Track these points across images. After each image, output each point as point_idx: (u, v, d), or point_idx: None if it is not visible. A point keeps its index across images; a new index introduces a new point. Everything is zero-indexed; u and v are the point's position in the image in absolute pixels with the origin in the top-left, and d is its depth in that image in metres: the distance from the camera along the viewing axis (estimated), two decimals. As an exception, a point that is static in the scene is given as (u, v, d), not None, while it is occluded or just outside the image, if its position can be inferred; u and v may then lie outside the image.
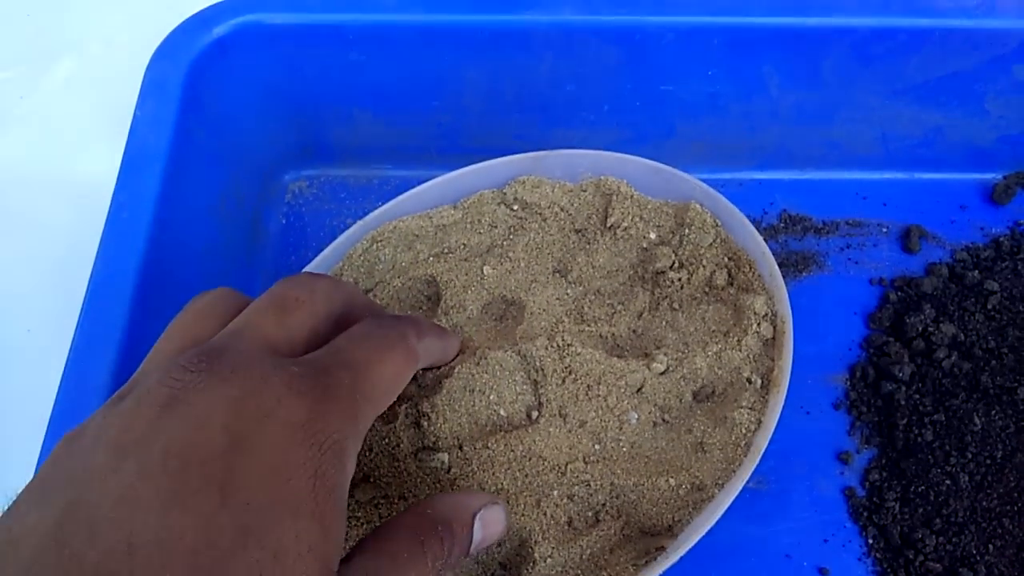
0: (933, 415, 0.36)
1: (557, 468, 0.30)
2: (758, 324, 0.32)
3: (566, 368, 0.31)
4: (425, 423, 0.29)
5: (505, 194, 0.37)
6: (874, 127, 0.43)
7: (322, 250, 0.36)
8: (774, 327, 0.33)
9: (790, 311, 0.33)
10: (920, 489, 0.35)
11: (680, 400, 0.32)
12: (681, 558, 0.28)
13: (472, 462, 0.29)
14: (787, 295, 0.33)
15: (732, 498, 0.29)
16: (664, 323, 0.34)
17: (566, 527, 0.29)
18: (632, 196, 0.37)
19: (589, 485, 0.30)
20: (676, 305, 0.34)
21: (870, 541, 0.35)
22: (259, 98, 0.40)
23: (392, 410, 0.30)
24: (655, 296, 0.35)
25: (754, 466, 0.30)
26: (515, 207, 0.37)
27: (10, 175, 0.46)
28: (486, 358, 0.30)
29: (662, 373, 0.32)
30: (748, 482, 0.30)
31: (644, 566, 0.28)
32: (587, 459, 0.30)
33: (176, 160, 0.35)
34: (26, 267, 0.43)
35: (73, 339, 0.31)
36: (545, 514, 0.29)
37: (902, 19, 0.38)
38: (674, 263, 0.35)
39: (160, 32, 0.37)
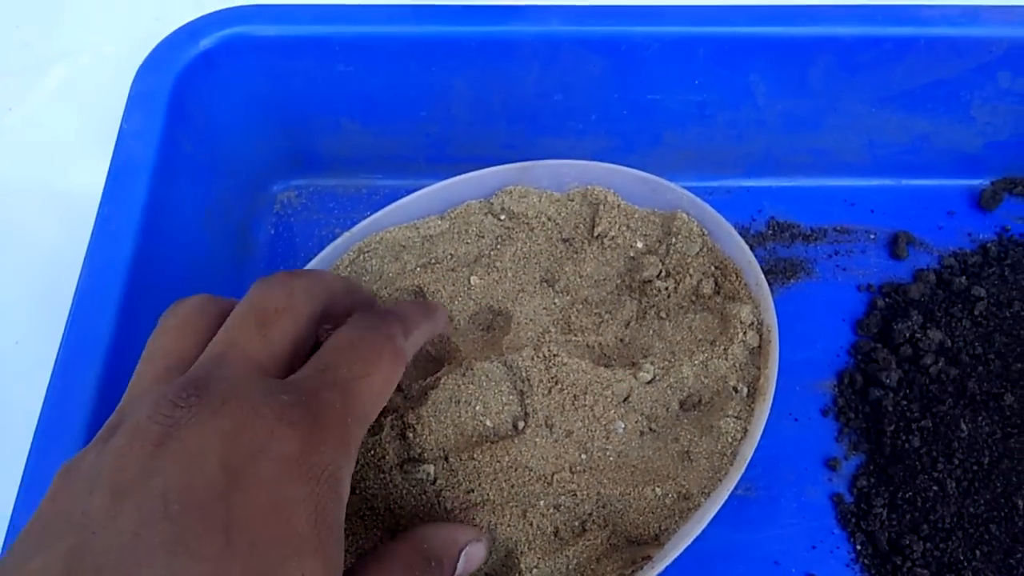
0: (920, 421, 0.36)
1: (543, 478, 0.30)
2: (744, 333, 0.33)
3: (552, 378, 0.31)
4: (411, 434, 0.29)
5: (492, 204, 0.37)
6: (861, 134, 0.43)
7: (310, 260, 0.36)
8: (760, 336, 0.33)
9: (776, 320, 0.33)
10: (907, 495, 0.35)
11: (667, 409, 0.32)
12: (670, 566, 0.28)
13: (458, 473, 0.29)
14: (773, 304, 0.33)
15: (718, 507, 0.29)
16: (651, 332, 0.34)
17: (552, 537, 0.29)
18: (619, 205, 0.37)
19: (575, 495, 0.30)
20: (663, 314, 0.34)
21: (858, 547, 0.35)
22: (247, 109, 0.40)
23: (378, 422, 0.30)
24: (642, 305, 0.35)
25: (740, 475, 0.30)
26: (502, 217, 0.37)
27: (-2, 186, 0.46)
28: (472, 368, 0.30)
29: (649, 382, 0.32)
30: (736, 489, 0.30)
31: (631, 575, 0.28)
32: (573, 469, 0.30)
33: (163, 171, 0.35)
34: (13, 278, 0.43)
35: (59, 351, 0.31)
36: (531, 524, 0.29)
37: (887, 28, 0.38)
38: (661, 272, 0.35)
39: (147, 44, 0.37)
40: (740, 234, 0.35)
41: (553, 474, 0.30)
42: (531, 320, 0.34)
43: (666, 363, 0.32)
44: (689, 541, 0.29)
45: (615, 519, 0.30)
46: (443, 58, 0.39)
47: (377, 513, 0.29)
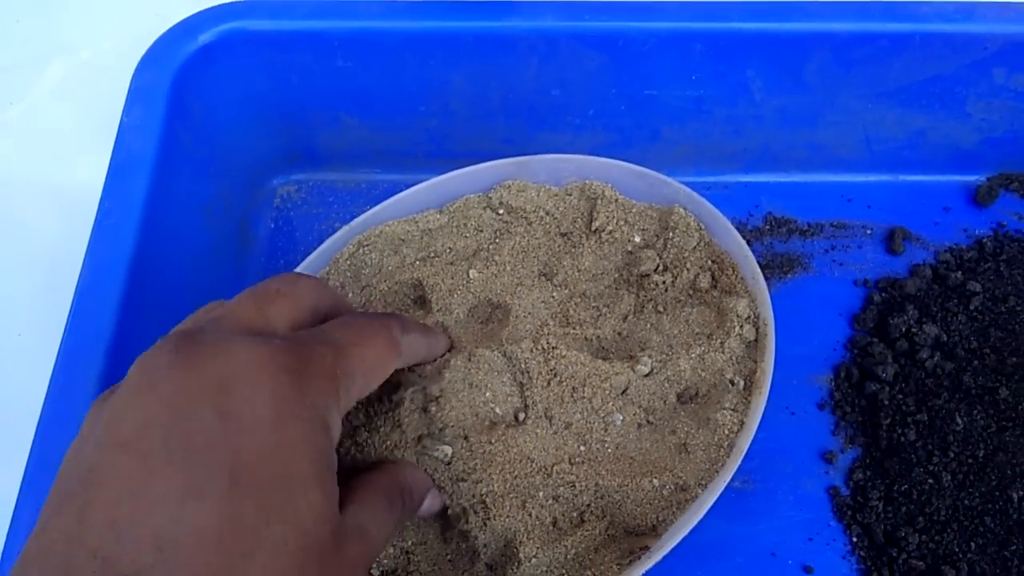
0: (916, 415, 0.36)
1: (543, 469, 0.30)
2: (741, 326, 0.33)
3: (551, 370, 0.31)
4: (434, 408, 0.29)
5: (491, 198, 0.37)
6: (858, 130, 0.43)
7: (310, 254, 0.36)
8: (756, 329, 0.33)
9: (772, 314, 0.33)
10: (903, 488, 0.35)
11: (664, 402, 0.32)
12: (668, 557, 0.28)
13: (476, 456, 0.29)
14: (769, 298, 0.33)
15: (715, 498, 0.29)
16: (648, 326, 0.34)
17: (551, 527, 0.29)
18: (617, 200, 0.37)
19: (574, 486, 0.30)
20: (660, 308, 0.35)
21: (854, 539, 0.35)
22: (246, 104, 0.41)
23: (399, 396, 0.30)
24: (640, 299, 0.35)
25: (736, 466, 0.30)
26: (500, 211, 0.37)
27: (-1, 181, 0.46)
28: (475, 355, 0.30)
29: (646, 375, 0.32)
30: (733, 481, 0.30)
31: (628, 565, 0.28)
32: (572, 460, 0.30)
33: (163, 166, 0.35)
34: (15, 271, 0.43)
35: (61, 343, 0.31)
36: (530, 515, 0.29)
37: (883, 24, 0.38)
38: (658, 266, 0.36)
39: (147, 39, 0.38)
40: (737, 229, 0.35)
41: (552, 465, 0.30)
42: (529, 313, 0.34)
43: (663, 356, 0.33)
44: (686, 532, 0.29)
45: (613, 510, 0.30)
46: (441, 53, 0.39)
47: None
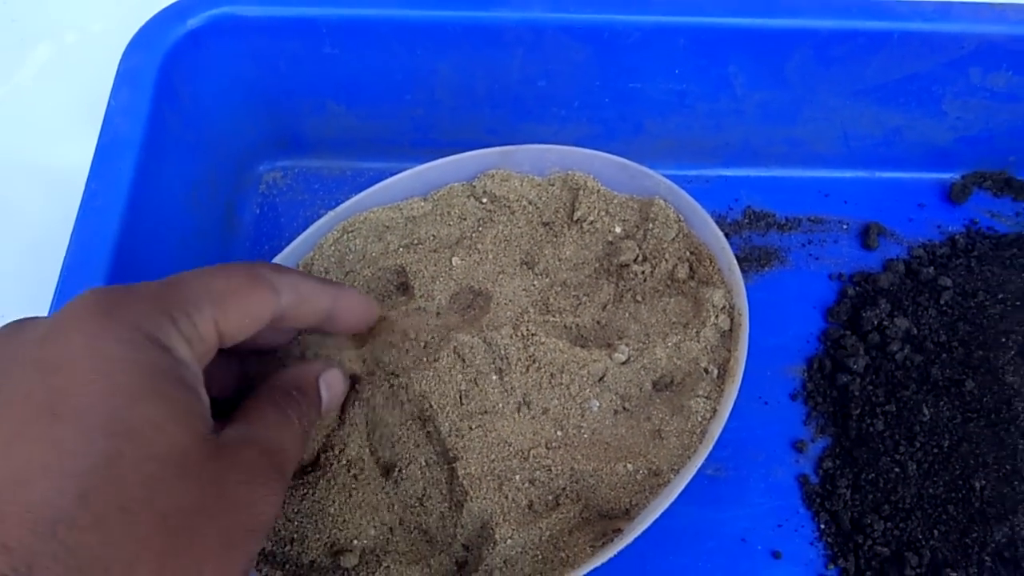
0: (885, 406, 0.37)
1: (520, 453, 0.31)
2: (716, 316, 0.34)
3: (530, 356, 0.32)
4: (405, 393, 0.31)
5: (474, 187, 0.38)
6: (836, 127, 0.44)
7: (295, 239, 0.36)
8: (731, 319, 0.34)
9: (747, 304, 0.34)
10: (870, 476, 0.36)
11: (640, 389, 0.33)
12: (641, 541, 0.29)
13: (464, 437, 0.31)
14: (744, 289, 0.34)
15: (686, 483, 0.30)
16: (627, 314, 0.35)
17: (527, 510, 0.30)
18: (599, 191, 0.38)
19: (550, 470, 0.31)
20: (639, 297, 0.35)
21: (822, 526, 0.36)
22: (233, 89, 0.41)
23: (396, 379, 0.32)
24: (619, 288, 0.36)
25: (708, 452, 0.31)
26: (484, 200, 0.38)
27: (-16, 162, 0.46)
28: (456, 340, 0.31)
29: (623, 363, 0.33)
30: (706, 469, 0.31)
31: (601, 547, 0.29)
32: (549, 445, 0.31)
33: (150, 149, 0.35)
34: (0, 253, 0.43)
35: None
36: (507, 497, 0.30)
37: (861, 22, 0.39)
38: (638, 256, 0.36)
39: (135, 23, 0.38)
40: (717, 222, 0.36)
41: (529, 450, 0.31)
42: (510, 301, 0.35)
43: (641, 345, 0.33)
44: (657, 515, 0.30)
45: (588, 494, 0.31)
46: (428, 42, 0.39)
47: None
